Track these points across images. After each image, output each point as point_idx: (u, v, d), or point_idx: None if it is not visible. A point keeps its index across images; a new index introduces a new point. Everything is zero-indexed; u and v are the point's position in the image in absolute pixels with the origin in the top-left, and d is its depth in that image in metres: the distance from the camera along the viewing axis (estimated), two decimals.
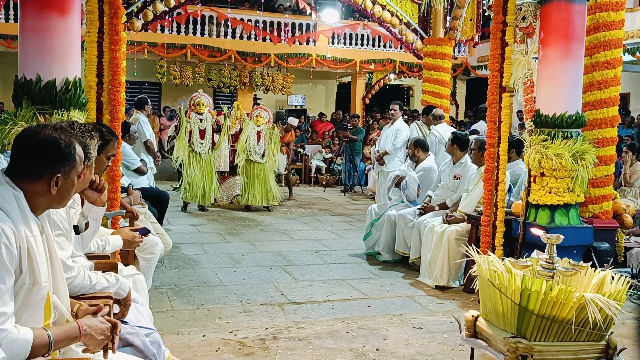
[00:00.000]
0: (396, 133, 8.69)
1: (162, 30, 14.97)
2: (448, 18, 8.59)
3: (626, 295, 2.74)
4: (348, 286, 5.26)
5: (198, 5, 14.50)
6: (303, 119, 16.84)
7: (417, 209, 6.00)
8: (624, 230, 5.42)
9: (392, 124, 8.92)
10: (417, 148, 6.45)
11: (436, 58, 8.49)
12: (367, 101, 17.86)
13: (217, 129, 9.26)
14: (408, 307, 4.74)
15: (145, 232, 3.63)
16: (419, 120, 8.75)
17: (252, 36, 15.85)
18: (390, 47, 16.83)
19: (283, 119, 16.78)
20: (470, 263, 4.61)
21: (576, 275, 2.93)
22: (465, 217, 5.36)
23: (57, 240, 2.34)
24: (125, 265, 3.48)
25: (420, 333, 4.09)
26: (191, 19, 15.27)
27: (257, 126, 9.38)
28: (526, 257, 3.17)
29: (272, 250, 6.63)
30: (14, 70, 4.05)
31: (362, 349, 3.75)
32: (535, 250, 3.20)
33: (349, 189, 12.50)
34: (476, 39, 9.00)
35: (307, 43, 16.40)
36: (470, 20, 8.57)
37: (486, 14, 6.23)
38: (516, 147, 5.63)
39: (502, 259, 3.09)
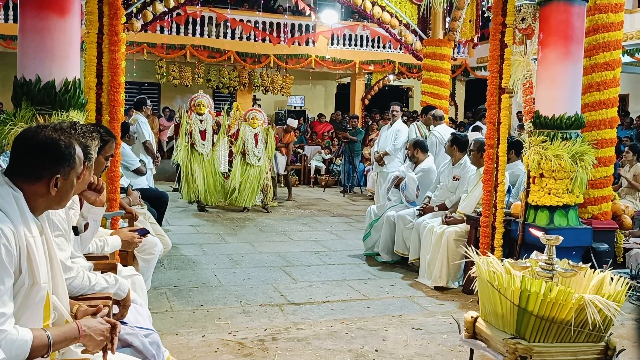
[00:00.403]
0: (396, 134, 8.71)
1: (162, 31, 14.97)
2: (447, 19, 8.60)
3: (625, 296, 2.74)
4: (347, 287, 5.26)
5: (197, 6, 14.50)
6: (302, 119, 16.84)
7: (417, 209, 6.00)
8: (623, 231, 5.42)
9: (391, 124, 8.93)
10: (417, 149, 6.45)
11: (435, 59, 8.50)
12: (367, 102, 17.87)
13: (217, 130, 9.27)
14: (407, 307, 4.74)
15: (144, 232, 3.63)
16: (418, 121, 8.79)
17: (252, 37, 15.85)
18: (389, 48, 16.84)
19: (282, 119, 16.80)
20: (469, 264, 4.62)
21: (575, 276, 2.93)
22: (465, 218, 5.36)
23: (57, 241, 2.34)
24: (125, 265, 3.48)
25: (419, 334, 4.09)
26: (190, 20, 15.27)
27: (254, 129, 9.35)
28: (525, 258, 3.17)
29: (271, 251, 6.63)
30: (14, 71, 4.05)
31: (361, 350, 3.75)
32: (535, 251, 3.20)
33: (348, 189, 12.51)
34: (475, 40, 9.01)
35: (307, 44, 16.41)
36: (470, 21, 8.58)
37: (485, 15, 6.25)
38: (515, 148, 5.63)
39: (502, 260, 3.09)
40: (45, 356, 1.79)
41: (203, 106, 9.15)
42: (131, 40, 13.03)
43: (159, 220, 6.07)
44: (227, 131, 9.58)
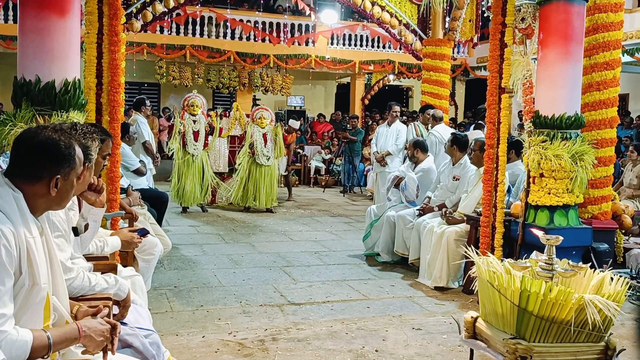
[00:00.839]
0: (397, 134, 8.85)
1: (162, 31, 14.98)
2: (447, 19, 8.60)
3: (625, 296, 2.74)
4: (347, 287, 5.26)
5: (197, 6, 14.50)
6: (302, 119, 16.85)
7: (417, 209, 6.00)
8: (623, 231, 5.42)
9: (389, 124, 9.02)
10: (417, 149, 6.45)
11: (435, 59, 8.50)
12: (366, 102, 17.87)
13: (210, 131, 9.26)
14: (407, 308, 4.74)
15: (144, 232, 3.63)
16: (416, 121, 8.84)
17: (252, 37, 15.86)
18: (389, 48, 16.84)
19: (282, 119, 16.79)
20: (469, 264, 4.62)
21: (575, 276, 2.93)
22: (465, 218, 5.36)
23: (57, 242, 2.34)
24: (125, 266, 3.48)
25: (419, 334, 4.09)
26: (190, 20, 15.28)
27: (262, 128, 9.33)
28: (525, 258, 3.17)
29: (271, 251, 6.63)
30: (13, 71, 4.05)
31: (362, 350, 3.75)
32: (535, 251, 3.20)
33: (348, 189, 12.51)
34: (475, 40, 9.02)
35: (307, 44, 16.42)
36: (470, 21, 8.58)
37: (485, 15, 6.24)
38: (515, 148, 5.63)
39: (502, 260, 3.09)
40: (45, 357, 1.79)
41: (196, 107, 9.14)
42: (131, 41, 13.03)
43: (159, 221, 6.07)
44: (220, 132, 9.57)
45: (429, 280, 5.39)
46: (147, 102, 8.47)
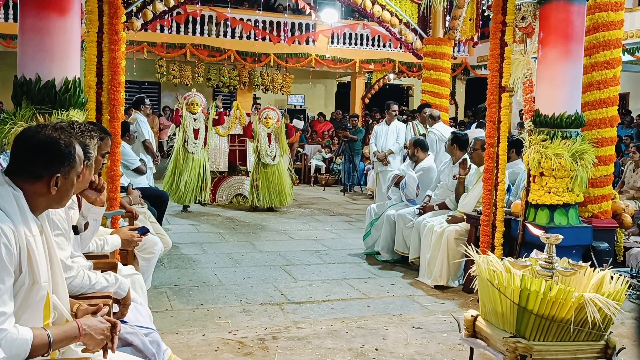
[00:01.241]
0: (398, 132, 8.95)
1: (162, 30, 14.98)
2: (447, 18, 8.60)
3: (625, 295, 2.74)
4: (347, 286, 5.26)
5: (197, 5, 14.50)
6: (302, 118, 16.86)
7: (417, 208, 6.00)
8: (623, 230, 5.42)
9: (388, 123, 9.07)
10: (417, 148, 6.45)
11: (435, 58, 8.50)
12: (367, 101, 17.87)
13: (215, 120, 9.27)
14: (407, 306, 4.74)
15: (144, 231, 3.63)
16: (415, 120, 8.88)
17: (252, 36, 15.85)
18: (389, 46, 16.84)
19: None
20: (469, 263, 4.61)
21: (575, 275, 2.93)
22: (465, 217, 5.36)
23: (57, 240, 2.34)
24: (125, 265, 3.48)
25: (419, 333, 4.09)
26: (190, 19, 15.27)
27: (267, 128, 9.32)
28: (525, 257, 3.17)
29: (271, 250, 6.63)
30: (14, 70, 4.05)
31: (362, 349, 3.76)
32: (535, 250, 3.20)
33: (349, 188, 12.51)
34: (475, 39, 9.01)
35: (307, 43, 16.41)
36: (470, 20, 8.57)
37: (485, 13, 6.25)
38: (516, 147, 5.63)
39: (502, 259, 3.09)
40: (45, 355, 1.79)
41: (197, 105, 9.15)
42: (131, 39, 13.03)
43: (159, 219, 6.08)
44: (214, 123, 9.51)
45: (429, 279, 5.39)
46: (147, 101, 8.47)
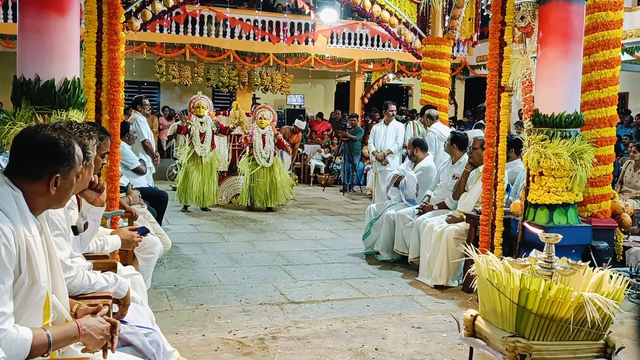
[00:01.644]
0: (396, 132, 8.96)
1: (161, 30, 14.97)
2: (447, 17, 8.59)
3: (624, 294, 2.74)
4: (347, 286, 5.26)
5: (197, 5, 14.50)
6: (303, 118, 16.82)
7: (416, 208, 6.00)
8: (623, 230, 5.43)
9: (386, 123, 9.10)
10: (416, 147, 6.46)
11: (435, 57, 8.49)
12: (366, 101, 17.86)
13: (216, 131, 9.24)
14: (407, 306, 4.74)
15: (144, 231, 3.63)
16: (416, 119, 8.89)
17: (251, 36, 15.84)
18: (389, 46, 16.84)
19: (282, 118, 16.80)
20: (469, 262, 4.62)
21: (575, 274, 2.93)
22: (464, 217, 5.37)
23: (56, 241, 2.34)
24: (124, 265, 3.48)
25: (419, 332, 4.10)
26: (190, 19, 15.27)
27: (262, 128, 9.30)
28: (525, 257, 3.17)
29: (271, 249, 6.63)
30: (13, 70, 4.05)
31: (361, 349, 3.76)
32: (534, 249, 3.20)
33: (348, 188, 12.52)
34: (475, 39, 9.02)
35: (306, 43, 16.40)
36: (469, 19, 8.57)
37: (485, 13, 6.25)
38: (515, 147, 5.64)
39: (501, 258, 3.09)
40: (45, 355, 1.80)
41: (203, 108, 9.13)
42: (130, 40, 13.03)
43: (159, 220, 6.08)
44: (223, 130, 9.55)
45: (428, 279, 5.39)
46: (146, 101, 8.45)
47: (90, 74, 4.43)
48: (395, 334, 4.05)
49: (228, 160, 10.32)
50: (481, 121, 9.13)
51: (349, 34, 16.83)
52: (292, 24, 16.32)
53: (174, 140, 11.15)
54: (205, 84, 16.13)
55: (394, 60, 16.67)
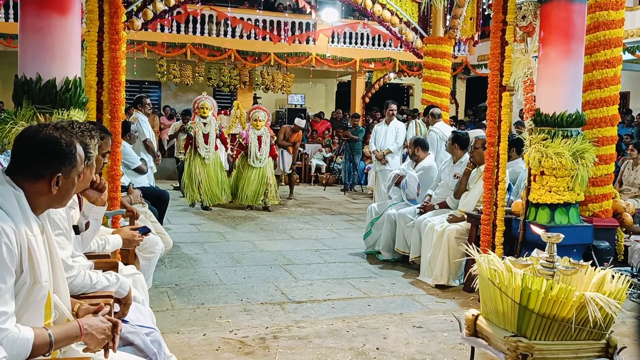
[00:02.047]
0: (397, 132, 8.95)
1: (162, 30, 14.96)
2: (448, 17, 8.58)
3: (626, 294, 2.74)
4: (348, 285, 5.26)
5: (198, 4, 14.49)
6: (304, 117, 16.82)
7: (417, 207, 6.00)
8: (624, 229, 5.42)
9: (387, 123, 9.10)
10: (417, 147, 6.45)
11: (436, 57, 8.49)
12: (367, 100, 17.85)
13: (217, 136, 9.24)
14: (408, 306, 4.74)
15: (145, 231, 3.63)
16: (418, 118, 8.88)
17: (252, 35, 15.84)
18: (390, 46, 16.82)
19: (283, 118, 16.79)
20: (470, 262, 4.61)
21: (576, 274, 2.93)
22: (465, 216, 5.36)
23: (57, 240, 2.34)
24: (126, 264, 3.49)
25: (420, 332, 4.09)
26: (191, 18, 15.26)
27: (257, 130, 9.29)
28: (526, 256, 3.17)
29: (272, 249, 6.63)
30: (14, 70, 4.04)
31: (362, 348, 3.76)
32: (536, 249, 3.20)
33: (349, 188, 12.50)
34: (476, 38, 9.01)
35: (307, 42, 16.39)
36: (470, 19, 8.57)
37: (486, 12, 6.24)
38: (516, 146, 5.63)
39: (502, 258, 3.09)
40: (46, 355, 1.80)
41: (206, 109, 9.10)
42: (132, 39, 13.02)
43: (160, 219, 6.08)
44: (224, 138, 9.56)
45: (429, 278, 5.39)
46: (147, 100, 8.44)
47: (91, 73, 4.43)
48: (396, 333, 4.05)
49: (229, 161, 10.33)
50: (484, 122, 9.15)
51: (350, 34, 16.82)
52: (293, 23, 16.32)
53: (175, 139, 11.17)
54: (206, 83, 16.13)
55: (395, 59, 16.66)
